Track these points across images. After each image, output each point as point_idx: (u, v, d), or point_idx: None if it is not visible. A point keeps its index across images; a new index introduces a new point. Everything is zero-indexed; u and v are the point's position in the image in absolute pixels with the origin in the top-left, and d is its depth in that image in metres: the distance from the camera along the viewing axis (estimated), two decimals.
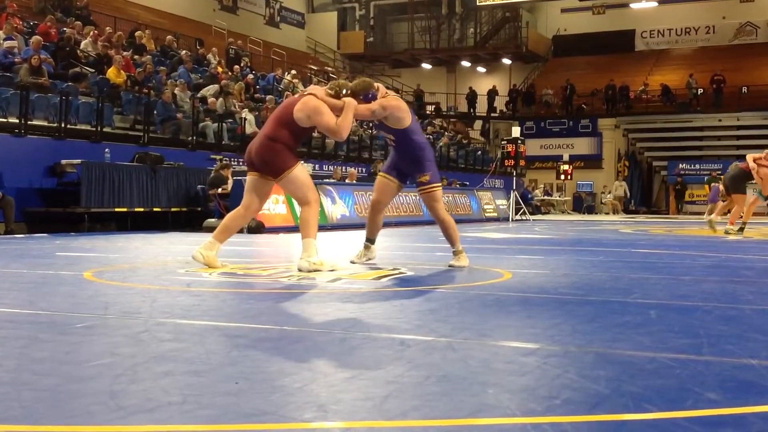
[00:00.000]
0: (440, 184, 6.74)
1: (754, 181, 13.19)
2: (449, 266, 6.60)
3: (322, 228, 13.83)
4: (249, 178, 6.34)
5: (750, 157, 13.13)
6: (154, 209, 13.25)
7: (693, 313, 4.05)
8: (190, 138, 16.10)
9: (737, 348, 3.07)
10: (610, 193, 32.02)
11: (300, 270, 5.94)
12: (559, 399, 2.28)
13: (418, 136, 6.64)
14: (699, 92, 32.49)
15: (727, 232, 12.99)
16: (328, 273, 5.86)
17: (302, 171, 6.18)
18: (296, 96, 6.32)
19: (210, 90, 18.31)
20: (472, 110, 36.54)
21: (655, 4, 36.34)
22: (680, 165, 31.63)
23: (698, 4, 36.78)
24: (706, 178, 25.22)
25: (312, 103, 6.03)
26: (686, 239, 12.00)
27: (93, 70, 15.89)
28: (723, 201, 15.76)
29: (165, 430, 1.94)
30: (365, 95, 6.30)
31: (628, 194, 32.01)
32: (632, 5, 36.85)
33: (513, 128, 25.22)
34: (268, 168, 6.10)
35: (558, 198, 32.16)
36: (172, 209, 13.64)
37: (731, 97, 31.69)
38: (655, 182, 33.82)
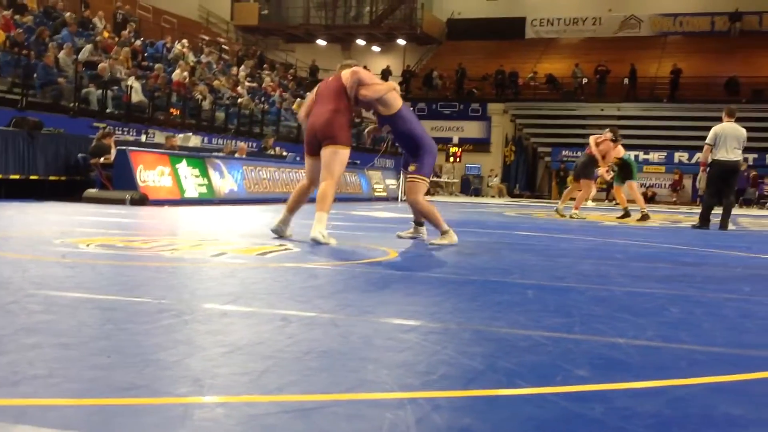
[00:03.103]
0: (426, 179, 6.96)
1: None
2: (431, 244, 6.85)
3: (209, 202, 13.65)
4: (307, 162, 6.78)
5: (592, 138, 13.73)
6: (31, 177, 12.66)
7: (568, 294, 4.19)
8: (71, 104, 15.46)
9: (606, 327, 3.19)
10: (496, 176, 32.74)
11: (314, 240, 6.28)
12: (436, 374, 2.32)
13: (410, 125, 6.96)
14: (584, 81, 33.57)
15: (572, 217, 13.57)
16: (217, 248, 5.79)
17: (347, 154, 6.63)
18: (332, 79, 6.82)
19: (86, 52, 17.47)
20: None
21: None
22: (563, 152, 32.61)
23: None
24: None
25: (354, 71, 6.64)
26: (566, 223, 12.41)
27: None
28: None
29: (29, 404, 1.86)
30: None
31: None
32: None
33: None
34: (328, 136, 6.47)
35: (447, 180, 32.67)
36: (50, 178, 13.07)
37: (614, 87, 32.89)
38: (540, 168, 34.78)
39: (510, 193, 32.51)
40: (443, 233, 6.94)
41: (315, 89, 7.00)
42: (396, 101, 6.86)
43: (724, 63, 32.99)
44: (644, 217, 13.51)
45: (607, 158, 13.52)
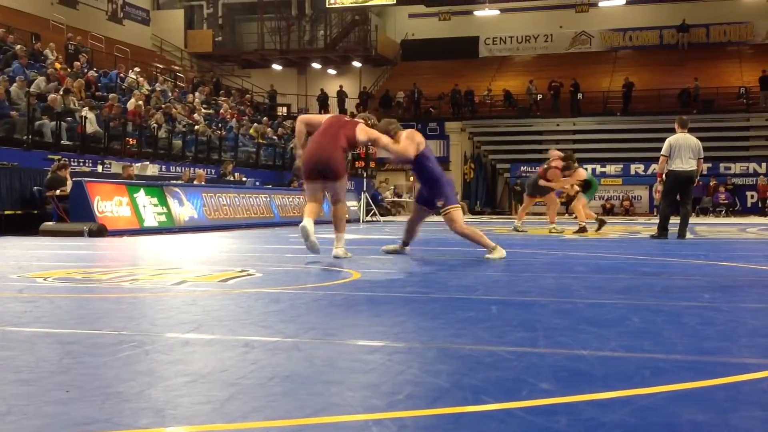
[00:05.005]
0: (456, 206, 7.89)
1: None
2: (486, 258, 7.53)
3: (169, 231, 13.52)
4: (309, 187, 7.74)
5: (554, 154, 13.97)
6: None
7: (531, 308, 4.21)
8: (25, 137, 15.24)
9: (570, 340, 3.21)
10: (457, 194, 32.91)
11: (336, 257, 7.45)
12: (402, 394, 2.31)
13: (432, 165, 7.79)
14: (538, 98, 34.00)
15: (550, 231, 13.77)
16: (178, 276, 5.74)
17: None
18: (347, 120, 7.95)
19: (41, 84, 17.28)
20: (323, 112, 36.62)
21: (498, 12, 37.78)
22: (522, 167, 32.92)
23: (537, 13, 38.50)
24: None
25: (371, 130, 7.68)
26: (527, 238, 12.50)
27: None
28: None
29: None
30: (387, 132, 7.80)
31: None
32: (476, 13, 38.13)
33: None
34: (334, 172, 7.53)
35: (408, 199, 32.72)
36: (6, 212, 12.84)
37: (568, 102, 33.36)
38: (499, 184, 35.04)
39: (471, 210, 32.69)
40: (492, 249, 7.61)
41: (327, 118, 7.92)
42: (417, 148, 7.61)
43: (674, 75, 33.68)
44: (582, 230, 13.66)
45: (553, 184, 13.76)
